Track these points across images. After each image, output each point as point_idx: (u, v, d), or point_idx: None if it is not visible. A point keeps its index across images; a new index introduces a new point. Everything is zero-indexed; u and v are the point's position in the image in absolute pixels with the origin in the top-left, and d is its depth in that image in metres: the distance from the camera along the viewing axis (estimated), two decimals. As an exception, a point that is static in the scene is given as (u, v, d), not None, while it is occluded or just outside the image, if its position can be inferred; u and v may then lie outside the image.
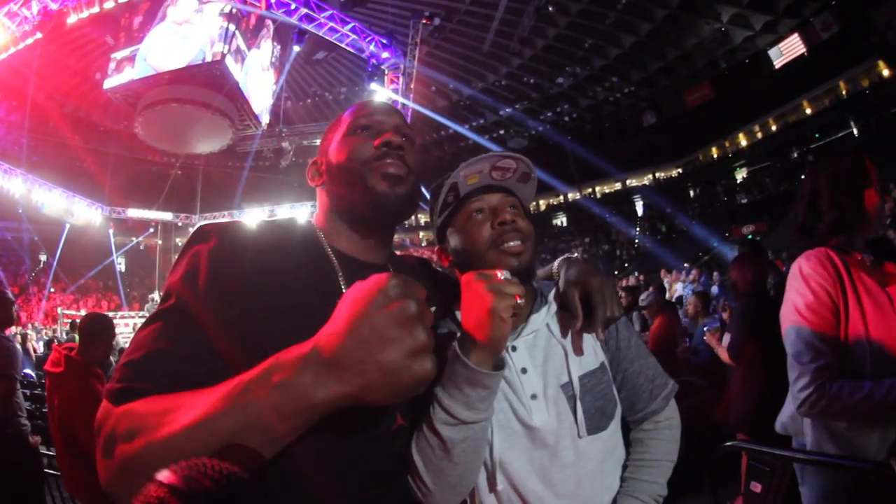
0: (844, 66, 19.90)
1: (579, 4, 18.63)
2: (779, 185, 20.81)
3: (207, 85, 14.64)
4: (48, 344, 11.78)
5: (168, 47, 14.22)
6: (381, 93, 14.30)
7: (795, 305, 1.43)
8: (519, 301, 0.81)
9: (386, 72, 14.56)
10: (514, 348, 1.04)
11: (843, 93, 20.90)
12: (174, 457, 0.60)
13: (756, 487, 1.73)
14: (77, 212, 19.91)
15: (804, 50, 19.91)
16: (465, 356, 0.83)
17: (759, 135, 24.27)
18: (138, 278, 25.21)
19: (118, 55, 14.95)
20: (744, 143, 24.97)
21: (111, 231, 21.95)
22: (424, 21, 14.68)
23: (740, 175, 24.66)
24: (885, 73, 19.05)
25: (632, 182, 28.79)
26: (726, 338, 3.20)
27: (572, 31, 20.06)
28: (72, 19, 12.13)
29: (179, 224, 23.66)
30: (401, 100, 14.15)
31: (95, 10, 12.28)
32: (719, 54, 21.66)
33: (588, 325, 1.02)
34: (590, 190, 29.95)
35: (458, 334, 0.87)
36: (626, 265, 22.55)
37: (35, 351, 11.40)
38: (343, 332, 0.60)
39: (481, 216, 1.04)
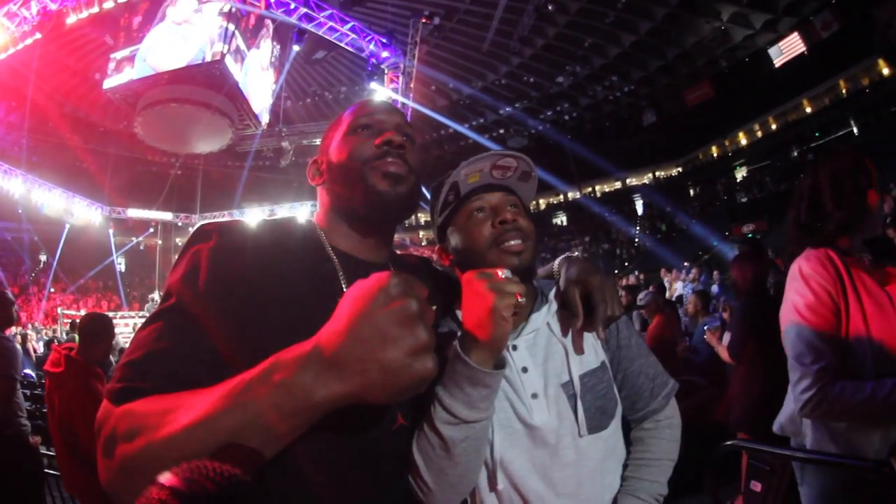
0: (844, 65, 19.87)
1: (579, 3, 18.61)
2: (779, 183, 20.79)
3: (207, 85, 14.63)
4: (48, 344, 11.78)
5: (167, 47, 14.21)
6: (381, 92, 14.30)
7: (796, 306, 1.43)
8: (520, 300, 0.81)
9: (386, 71, 14.56)
10: (514, 347, 1.04)
11: (843, 91, 20.87)
12: (175, 456, 0.60)
13: (756, 486, 1.73)
14: (77, 212, 19.91)
15: (804, 48, 19.88)
16: (466, 355, 0.83)
17: (759, 133, 24.25)
18: (138, 278, 25.22)
19: (118, 55, 14.93)
20: (744, 141, 24.95)
21: (111, 231, 21.95)
22: (424, 20, 14.68)
23: (740, 174, 24.64)
24: (885, 71, 19.03)
25: (632, 181, 28.78)
26: (726, 337, 3.21)
27: (572, 30, 20.04)
28: (71, 19, 12.13)
29: (179, 224, 23.67)
30: (400, 99, 14.15)
31: (95, 10, 12.28)
32: (719, 53, 21.64)
33: (589, 324, 1.02)
34: (590, 189, 29.94)
35: (459, 333, 0.87)
36: (626, 264, 22.54)
37: (35, 351, 11.40)
38: (344, 330, 0.60)
39: (482, 215, 1.04)
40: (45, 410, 2.99)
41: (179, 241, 25.02)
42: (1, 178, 16.53)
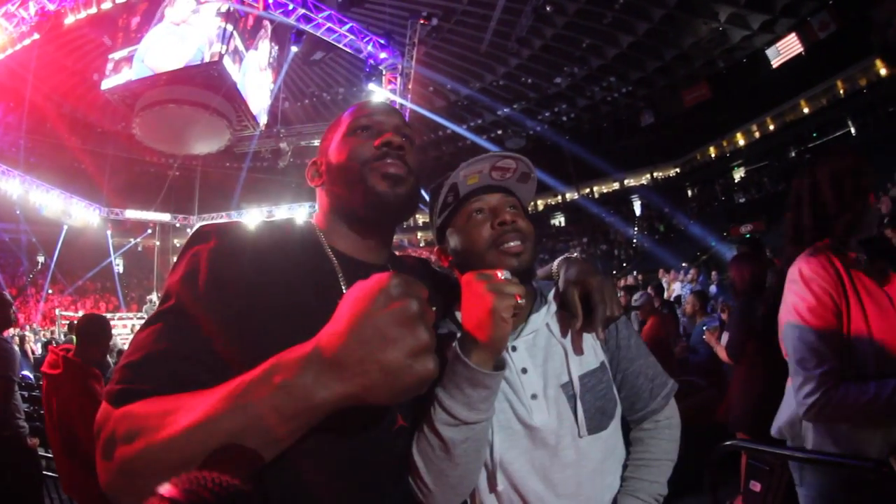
0: (842, 66, 19.91)
1: (577, 4, 18.61)
2: (777, 184, 20.82)
3: (205, 85, 14.63)
4: (46, 345, 11.74)
5: (166, 48, 14.20)
6: (379, 93, 14.31)
7: (797, 309, 1.42)
8: (520, 301, 0.81)
9: (384, 72, 14.57)
10: (514, 348, 1.04)
11: (841, 92, 20.91)
12: (174, 458, 0.60)
13: (755, 486, 1.73)
14: (75, 213, 19.86)
15: (801, 49, 19.90)
16: (465, 356, 0.83)
17: (757, 134, 24.29)
18: (136, 279, 25.14)
19: (116, 56, 14.92)
20: (741, 142, 24.99)
21: (109, 232, 21.89)
22: (422, 21, 14.70)
23: (738, 174, 24.66)
24: (883, 72, 19.07)
25: (630, 182, 28.80)
26: (725, 337, 3.21)
27: (570, 31, 20.04)
28: (69, 20, 12.12)
29: (177, 225, 23.65)
30: (398, 100, 14.16)
31: (93, 10, 12.27)
32: (717, 54, 21.65)
33: (588, 325, 1.02)
34: (588, 190, 29.95)
35: (459, 334, 0.87)
36: (625, 265, 22.55)
37: (33, 353, 11.35)
38: (344, 331, 0.60)
39: (481, 216, 1.04)
40: (42, 412, 2.99)
41: (178, 242, 25.01)
42: (-1, 179, 16.50)
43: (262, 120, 17.39)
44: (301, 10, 12.96)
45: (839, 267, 1.41)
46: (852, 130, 19.90)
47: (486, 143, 24.36)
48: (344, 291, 0.88)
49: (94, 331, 2.92)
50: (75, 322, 7.72)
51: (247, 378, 0.62)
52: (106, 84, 15.01)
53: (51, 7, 11.60)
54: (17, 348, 3.44)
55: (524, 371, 1.03)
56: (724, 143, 25.65)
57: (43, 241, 20.31)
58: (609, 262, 23.68)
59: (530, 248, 1.04)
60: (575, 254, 1.25)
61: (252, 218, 19.75)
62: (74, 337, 3.03)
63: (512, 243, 1.01)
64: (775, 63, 20.91)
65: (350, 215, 0.98)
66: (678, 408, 1.16)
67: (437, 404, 0.86)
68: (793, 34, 19.93)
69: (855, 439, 1.36)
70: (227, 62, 14.02)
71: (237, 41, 14.40)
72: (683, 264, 13.86)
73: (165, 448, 0.61)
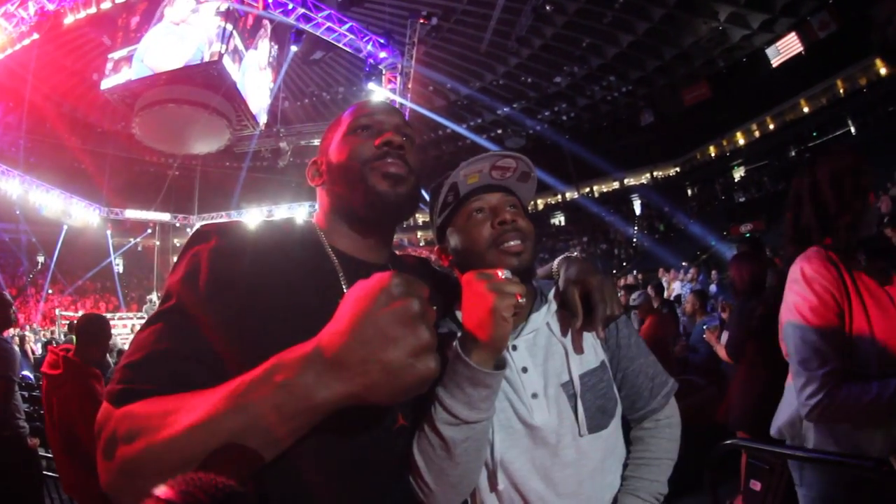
0: (842, 65, 19.90)
1: (577, 4, 18.61)
2: (777, 183, 20.82)
3: (205, 85, 14.61)
4: (46, 345, 11.74)
5: (165, 47, 14.18)
6: (379, 92, 14.30)
7: (799, 309, 1.42)
8: (520, 300, 0.81)
9: (383, 71, 14.56)
10: (514, 347, 1.04)
11: (841, 91, 20.90)
12: (175, 458, 0.60)
13: (755, 485, 1.73)
14: (75, 213, 19.84)
15: (801, 49, 19.88)
16: (466, 356, 0.83)
17: (757, 133, 24.27)
18: (136, 279, 25.14)
19: (115, 55, 14.89)
20: (741, 141, 24.97)
21: (109, 232, 21.88)
22: (422, 21, 14.69)
23: (738, 174, 24.65)
24: (883, 71, 19.06)
25: (630, 181, 28.79)
26: (725, 336, 3.22)
27: (570, 31, 20.04)
28: (69, 20, 12.12)
29: (177, 225, 23.64)
30: (398, 99, 14.15)
31: (92, 10, 12.27)
32: (717, 53, 21.65)
33: (588, 324, 1.02)
34: (588, 189, 29.94)
35: (459, 334, 0.87)
36: (625, 264, 22.55)
37: (33, 353, 11.35)
38: (346, 331, 0.60)
39: (481, 216, 1.04)
40: (42, 412, 2.99)
41: (177, 241, 25.01)
42: (-2, 179, 16.50)
43: (262, 119, 17.37)
44: (301, 10, 12.95)
45: (840, 266, 1.41)
46: (852, 130, 19.89)
47: (486, 142, 24.35)
48: (345, 291, 0.88)
49: (93, 330, 2.92)
50: (75, 322, 7.72)
51: (248, 378, 0.62)
52: (105, 84, 14.99)
53: (50, 7, 11.60)
54: (17, 348, 3.44)
55: (525, 370, 1.03)
56: (724, 143, 25.65)
57: (43, 241, 20.31)
58: (609, 261, 23.69)
59: (530, 247, 1.04)
60: (575, 253, 1.25)
61: (252, 217, 19.74)
62: (74, 337, 3.03)
63: (512, 242, 1.01)
64: (775, 62, 20.90)
65: (350, 215, 0.98)
66: (678, 407, 1.16)
67: (437, 403, 0.86)
68: (793, 33, 19.92)
69: (855, 439, 1.36)
70: (227, 62, 14.01)
71: (237, 40, 14.38)
72: (683, 263, 13.87)
73: (166, 448, 0.61)
